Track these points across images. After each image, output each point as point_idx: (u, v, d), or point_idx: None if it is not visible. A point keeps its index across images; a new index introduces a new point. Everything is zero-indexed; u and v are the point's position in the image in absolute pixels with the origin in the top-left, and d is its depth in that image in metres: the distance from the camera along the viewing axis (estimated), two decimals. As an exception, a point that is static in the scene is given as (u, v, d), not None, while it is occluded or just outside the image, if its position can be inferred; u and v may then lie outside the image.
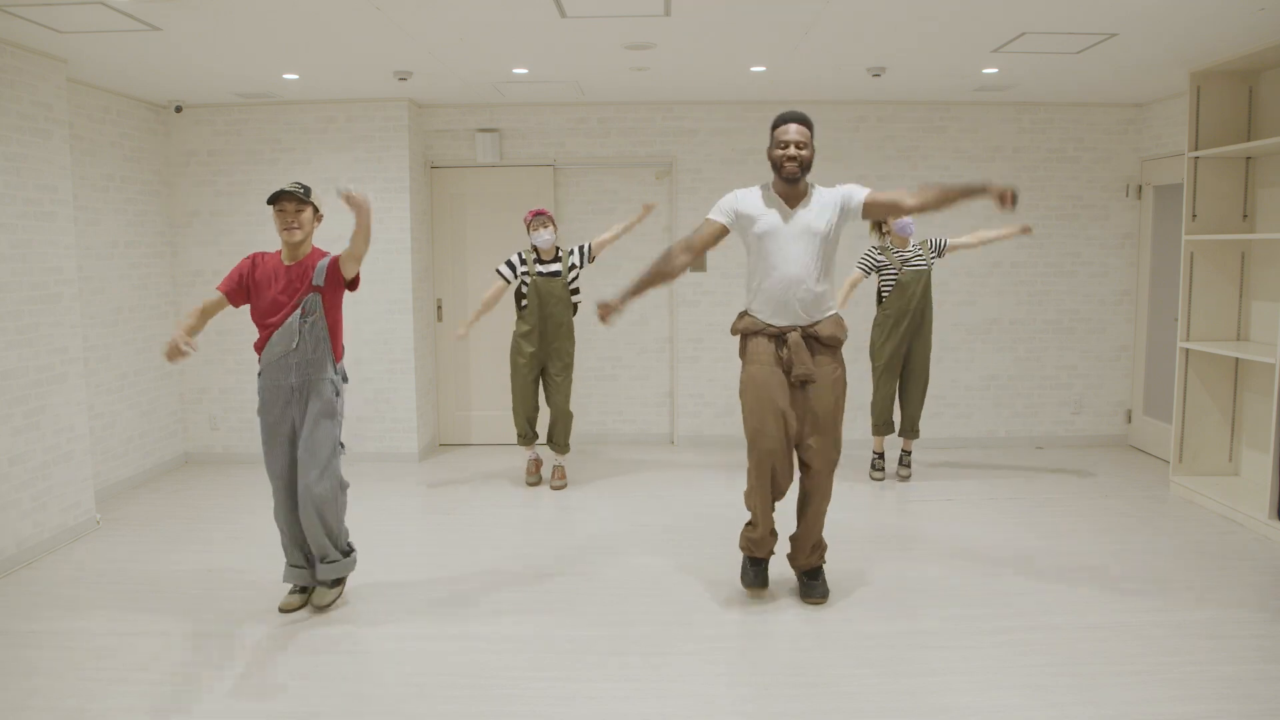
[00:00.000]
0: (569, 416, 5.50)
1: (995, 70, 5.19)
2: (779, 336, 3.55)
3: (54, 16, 3.83)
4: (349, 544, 3.75)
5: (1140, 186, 6.38)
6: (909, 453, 5.64)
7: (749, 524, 3.76)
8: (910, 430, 5.52)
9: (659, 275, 3.71)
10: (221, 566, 4.12)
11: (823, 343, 3.56)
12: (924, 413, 5.75)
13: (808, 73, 5.30)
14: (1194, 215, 5.11)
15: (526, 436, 5.53)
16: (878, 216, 3.60)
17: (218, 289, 3.55)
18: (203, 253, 6.13)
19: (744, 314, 3.67)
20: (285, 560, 3.72)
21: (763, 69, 5.20)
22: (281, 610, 3.65)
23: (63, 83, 4.53)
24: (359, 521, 4.89)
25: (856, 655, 3.25)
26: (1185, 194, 5.13)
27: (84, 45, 4.32)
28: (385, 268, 6.07)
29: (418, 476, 5.84)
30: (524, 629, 3.49)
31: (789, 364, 3.52)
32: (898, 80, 5.51)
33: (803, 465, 3.68)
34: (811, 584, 3.74)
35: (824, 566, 3.80)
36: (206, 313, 3.54)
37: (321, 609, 3.65)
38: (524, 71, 5.20)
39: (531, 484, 5.55)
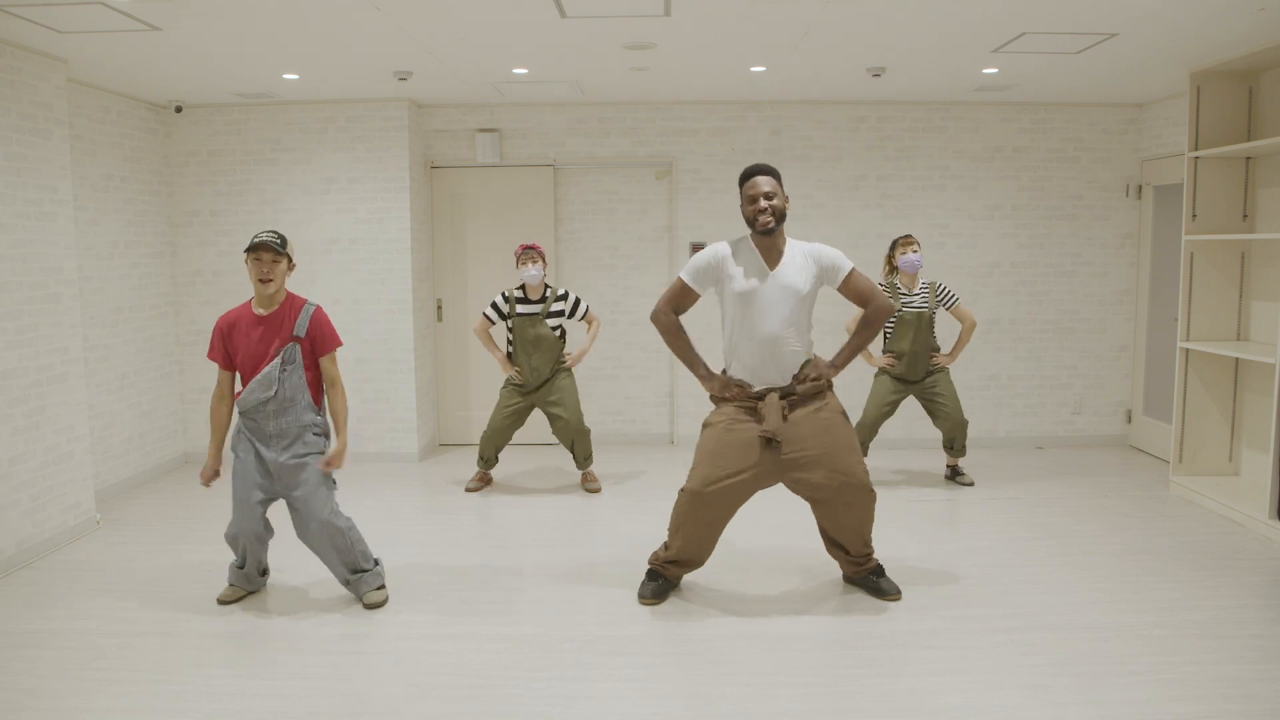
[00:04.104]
0: (586, 433, 5.33)
1: (995, 70, 5.19)
2: (756, 400, 3.53)
3: (54, 16, 3.83)
4: (374, 559, 3.80)
5: (1140, 186, 6.38)
6: (952, 465, 5.54)
7: (665, 546, 3.76)
8: (950, 449, 5.40)
9: (682, 347, 3.67)
10: (221, 566, 4.11)
11: (805, 399, 3.55)
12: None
13: (808, 73, 5.30)
14: (1194, 215, 5.11)
15: (487, 462, 5.42)
16: (849, 299, 3.65)
17: (211, 359, 3.63)
18: (203, 253, 6.14)
19: (722, 373, 3.65)
20: (235, 563, 3.78)
21: (763, 69, 5.20)
22: (220, 601, 3.75)
23: (63, 83, 4.53)
24: (359, 522, 4.89)
25: (856, 655, 3.25)
26: (1185, 194, 5.13)
27: (84, 45, 4.32)
28: (385, 268, 6.07)
29: (418, 476, 5.84)
30: (524, 629, 3.49)
31: (760, 417, 3.49)
32: (898, 80, 5.51)
33: (814, 502, 3.66)
34: (878, 583, 3.77)
35: (882, 566, 3.84)
36: (225, 400, 3.66)
37: (372, 607, 3.71)
38: (524, 71, 5.20)
39: (470, 489, 5.45)
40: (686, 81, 5.59)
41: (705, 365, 3.65)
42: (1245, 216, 5.12)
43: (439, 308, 6.58)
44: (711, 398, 3.67)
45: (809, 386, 3.52)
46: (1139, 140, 6.36)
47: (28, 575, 4.11)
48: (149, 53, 4.53)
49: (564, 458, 6.23)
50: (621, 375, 6.62)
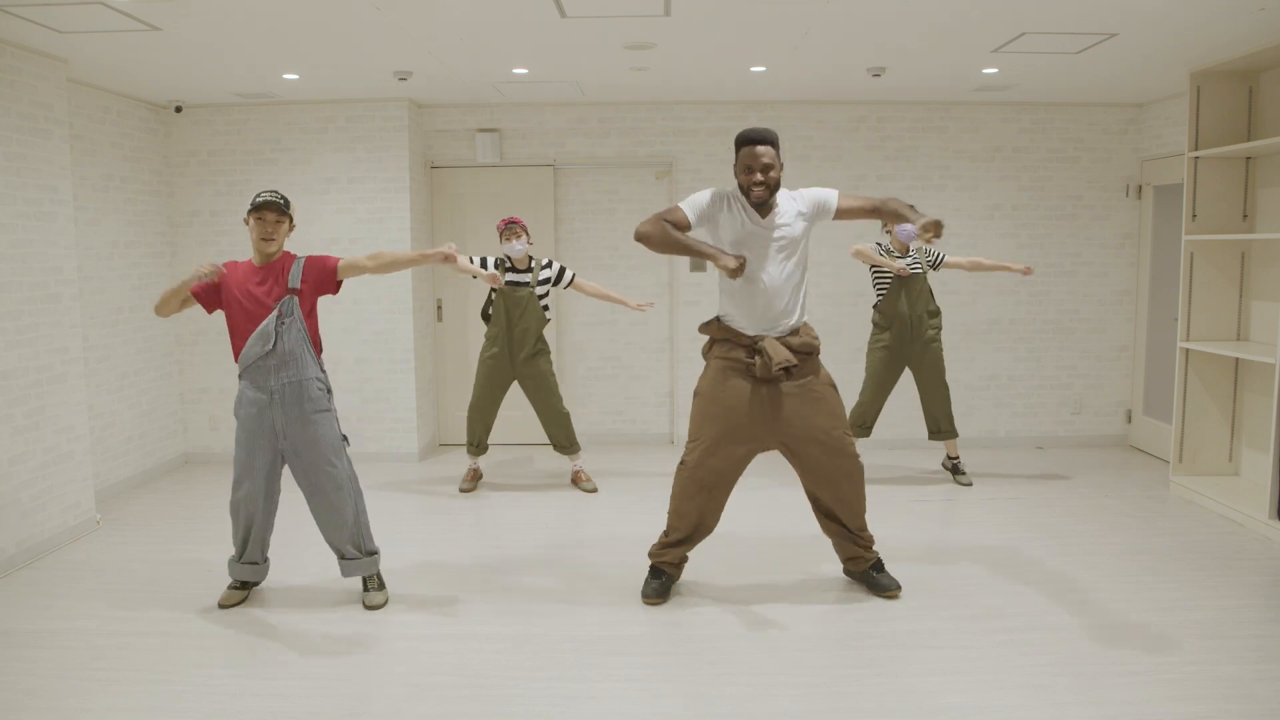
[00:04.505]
0: (564, 415, 5.34)
1: (995, 70, 5.19)
2: (750, 346, 3.52)
3: (54, 16, 3.83)
4: (373, 546, 3.78)
5: (1140, 186, 6.38)
6: (954, 457, 5.53)
7: (665, 532, 3.78)
8: (938, 431, 5.39)
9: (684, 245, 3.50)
10: (222, 566, 4.11)
11: (795, 351, 3.52)
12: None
13: (808, 73, 5.30)
14: (1194, 215, 5.11)
15: (478, 446, 5.39)
16: (849, 219, 3.64)
17: (189, 292, 3.60)
18: (203, 253, 6.13)
19: (716, 320, 3.64)
20: (235, 555, 3.76)
21: (763, 69, 5.20)
22: (221, 605, 3.72)
23: (63, 83, 4.53)
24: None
25: (856, 655, 3.25)
26: (1185, 194, 5.13)
27: (84, 45, 4.32)
28: (385, 268, 6.07)
29: (418, 476, 5.84)
30: (524, 629, 3.49)
31: (763, 368, 3.46)
32: (898, 80, 5.51)
33: (804, 472, 3.67)
34: (877, 578, 3.77)
35: (882, 560, 3.84)
36: (178, 294, 3.59)
37: (373, 608, 3.69)
38: (524, 71, 5.20)
39: (464, 490, 5.45)
40: (686, 81, 5.59)
41: (710, 245, 3.49)
42: (1245, 216, 5.12)
43: (439, 308, 6.58)
44: (706, 350, 3.66)
45: (804, 342, 3.52)
46: (1139, 140, 6.36)
47: (28, 575, 4.11)
48: (149, 53, 4.53)
49: (563, 458, 6.22)
50: (621, 375, 6.62)
